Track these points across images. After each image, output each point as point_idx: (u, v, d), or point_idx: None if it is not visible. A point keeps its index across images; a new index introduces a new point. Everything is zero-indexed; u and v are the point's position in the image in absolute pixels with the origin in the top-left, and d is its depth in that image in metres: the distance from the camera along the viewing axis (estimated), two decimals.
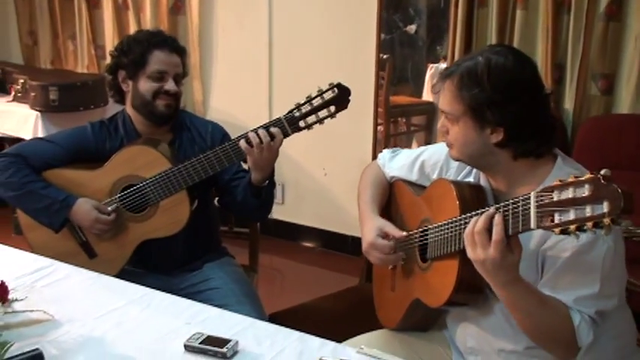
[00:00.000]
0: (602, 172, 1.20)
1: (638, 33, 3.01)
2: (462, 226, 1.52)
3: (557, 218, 1.25)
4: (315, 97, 2.12)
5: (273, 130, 2.11)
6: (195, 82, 4.48)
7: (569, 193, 1.23)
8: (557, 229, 1.25)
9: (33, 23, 5.14)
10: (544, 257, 1.54)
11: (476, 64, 1.57)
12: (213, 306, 1.82)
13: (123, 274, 2.20)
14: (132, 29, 4.54)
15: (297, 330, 1.65)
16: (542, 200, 1.29)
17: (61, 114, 4.08)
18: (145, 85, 2.29)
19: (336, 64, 3.97)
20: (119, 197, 2.28)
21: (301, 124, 2.13)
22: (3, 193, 2.30)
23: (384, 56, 3.81)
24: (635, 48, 3.02)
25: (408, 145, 4.09)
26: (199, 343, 1.53)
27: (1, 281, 1.66)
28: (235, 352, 1.53)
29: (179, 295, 1.89)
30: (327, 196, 4.27)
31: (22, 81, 4.27)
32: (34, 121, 4.07)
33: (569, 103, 3.20)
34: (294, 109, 2.13)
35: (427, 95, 4.15)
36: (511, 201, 1.38)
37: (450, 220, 1.59)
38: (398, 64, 3.82)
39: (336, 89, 2.11)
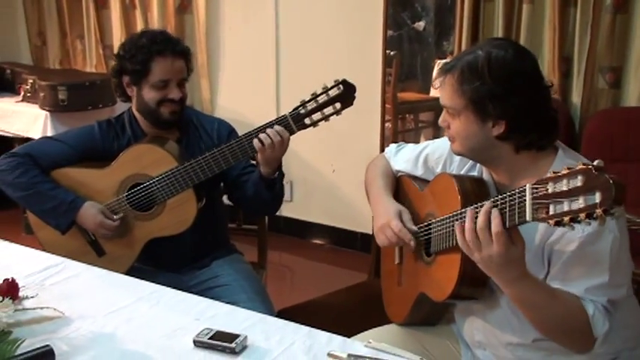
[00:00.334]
0: (595, 162, 1.21)
1: None
2: (464, 220, 1.53)
3: (551, 210, 1.25)
4: (321, 94, 2.12)
5: (278, 128, 2.12)
6: (202, 81, 4.49)
7: (563, 185, 1.23)
8: (551, 221, 1.25)
9: (42, 24, 5.17)
10: (551, 250, 1.54)
11: (476, 58, 1.57)
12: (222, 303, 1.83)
13: (132, 272, 2.23)
14: (139, 29, 4.54)
15: (306, 325, 1.65)
16: (537, 192, 1.29)
17: (70, 113, 4.11)
18: (149, 94, 2.28)
19: (343, 61, 3.98)
20: (126, 196, 2.29)
21: (307, 121, 2.14)
22: (12, 192, 2.32)
23: (392, 53, 3.81)
24: None
25: (417, 142, 4.06)
26: (208, 339, 1.54)
27: (12, 279, 1.67)
28: (244, 347, 1.53)
29: (188, 293, 1.90)
30: (336, 193, 4.27)
31: (31, 81, 4.30)
32: (43, 121, 4.10)
33: (576, 97, 3.20)
34: (299, 106, 2.13)
35: (435, 91, 4.13)
36: (508, 194, 1.39)
37: (451, 214, 1.59)
38: (406, 61, 3.81)
39: (341, 86, 2.11)
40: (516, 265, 1.42)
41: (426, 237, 1.76)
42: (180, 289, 1.90)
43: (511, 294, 1.49)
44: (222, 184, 2.45)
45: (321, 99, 2.12)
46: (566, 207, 1.22)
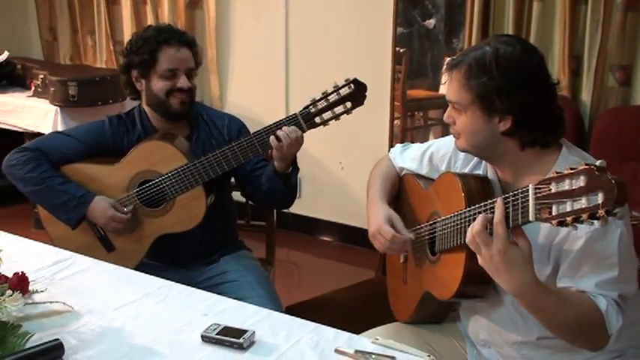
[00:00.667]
0: (598, 162, 1.21)
1: None
2: (468, 219, 1.53)
3: (554, 210, 1.25)
4: (332, 92, 2.12)
5: (290, 128, 2.13)
6: (212, 77, 4.50)
7: (565, 185, 1.24)
8: (554, 221, 1.26)
9: (53, 19, 5.20)
10: (559, 250, 1.53)
11: (484, 54, 1.57)
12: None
13: (141, 268, 2.22)
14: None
15: (313, 322, 1.66)
16: (539, 192, 1.29)
17: (80, 109, 4.12)
18: (158, 84, 2.29)
19: (353, 58, 3.98)
20: (136, 192, 2.30)
21: (317, 120, 2.14)
22: (22, 187, 2.33)
23: (401, 50, 3.80)
24: None
25: (425, 139, 4.06)
26: (216, 334, 1.55)
27: (22, 272, 1.69)
28: (252, 343, 1.54)
29: (196, 288, 1.90)
30: (344, 189, 4.27)
31: (41, 76, 4.32)
32: (54, 116, 4.12)
33: (586, 95, 3.18)
34: (309, 104, 2.14)
35: (444, 89, 4.11)
36: (511, 193, 1.39)
37: (456, 213, 1.60)
38: (415, 58, 3.81)
39: (352, 85, 2.11)
40: (521, 267, 1.40)
41: (431, 236, 1.76)
42: (188, 285, 1.91)
43: (524, 302, 1.47)
44: (232, 180, 2.46)
45: (332, 98, 2.12)
46: (568, 207, 1.23)
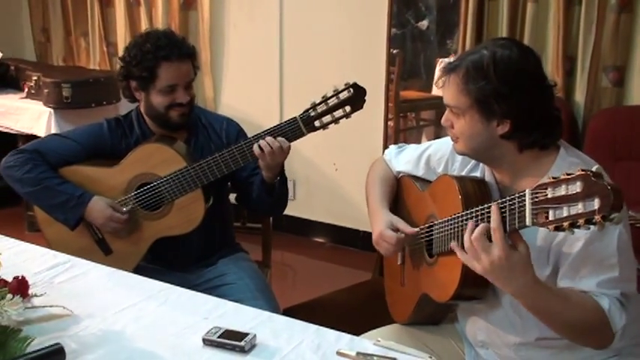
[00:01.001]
0: (594, 168, 1.22)
1: None
2: (465, 222, 1.54)
3: (551, 215, 1.27)
4: (331, 96, 2.13)
5: (279, 138, 2.13)
6: (205, 79, 4.49)
7: (562, 190, 1.25)
8: (551, 226, 1.27)
9: (46, 20, 5.19)
10: (558, 252, 1.54)
11: (481, 57, 1.58)
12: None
13: (138, 271, 2.23)
14: (143, 26, 4.57)
15: (311, 324, 1.66)
16: (536, 197, 1.30)
17: (74, 110, 4.11)
18: (157, 99, 2.28)
19: (347, 59, 3.98)
20: (134, 195, 2.30)
21: (317, 123, 2.15)
22: (20, 188, 2.33)
23: (394, 51, 3.81)
24: None
25: (418, 140, 4.08)
26: (217, 337, 1.55)
27: (22, 276, 1.68)
28: (253, 346, 1.54)
29: (194, 291, 1.91)
30: (338, 191, 4.28)
31: (35, 78, 4.31)
32: (47, 118, 4.10)
33: (580, 96, 3.20)
34: (309, 108, 2.14)
35: (437, 90, 4.13)
36: (508, 198, 1.40)
37: (453, 216, 1.60)
38: (408, 59, 3.82)
39: (351, 89, 2.11)
40: (521, 270, 1.41)
41: (428, 238, 1.77)
42: (185, 288, 1.91)
43: (525, 304, 1.48)
44: (229, 184, 2.46)
45: (332, 102, 2.12)
46: (565, 212, 1.24)
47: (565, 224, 1.23)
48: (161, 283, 1.92)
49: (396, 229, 1.84)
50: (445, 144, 1.87)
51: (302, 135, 2.15)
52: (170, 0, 4.48)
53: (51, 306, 1.70)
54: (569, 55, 3.20)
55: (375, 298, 2.19)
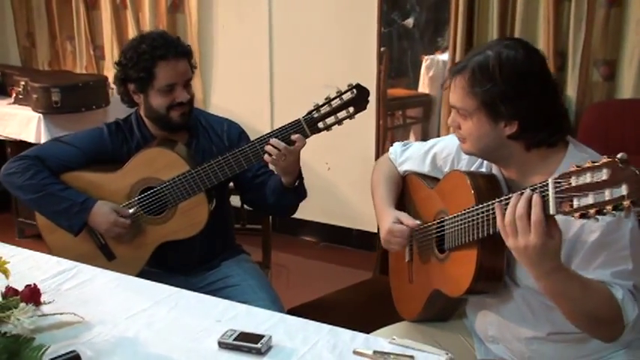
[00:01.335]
0: (619, 155, 1.23)
1: None
2: (479, 216, 1.55)
3: (575, 203, 1.28)
4: (334, 98, 2.13)
5: (275, 140, 2.13)
6: (195, 80, 4.40)
7: (586, 178, 1.26)
8: (576, 214, 1.28)
9: (30, 25, 5.12)
10: (573, 245, 1.55)
11: (487, 59, 1.58)
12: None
13: (142, 275, 2.21)
14: (130, 29, 4.54)
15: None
16: (560, 186, 1.31)
17: (64, 115, 4.08)
18: (157, 100, 2.27)
19: (337, 59, 3.98)
20: (137, 200, 2.29)
21: (320, 125, 2.15)
22: (22, 195, 2.31)
23: (381, 49, 3.83)
24: (637, 33, 3.05)
25: (405, 138, 4.11)
26: (233, 340, 1.55)
27: (34, 284, 1.67)
28: (270, 348, 1.55)
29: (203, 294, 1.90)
30: (331, 190, 4.27)
31: (23, 83, 4.26)
32: (37, 123, 4.06)
33: (571, 90, 3.23)
34: (313, 110, 2.14)
35: (423, 87, 4.16)
36: (529, 188, 1.40)
37: (466, 210, 1.61)
38: (395, 57, 3.84)
39: (354, 90, 2.12)
40: (551, 257, 1.42)
41: (439, 234, 1.78)
42: (190, 291, 1.91)
43: (545, 287, 1.48)
44: (230, 185, 2.45)
45: (335, 103, 2.12)
46: (591, 200, 1.25)
47: (591, 211, 1.25)
48: (169, 287, 1.91)
49: (400, 223, 1.86)
50: (451, 142, 1.87)
51: (306, 137, 2.15)
52: (157, 3, 4.45)
53: (62, 313, 1.69)
54: (559, 50, 3.23)
55: (379, 296, 2.20)
